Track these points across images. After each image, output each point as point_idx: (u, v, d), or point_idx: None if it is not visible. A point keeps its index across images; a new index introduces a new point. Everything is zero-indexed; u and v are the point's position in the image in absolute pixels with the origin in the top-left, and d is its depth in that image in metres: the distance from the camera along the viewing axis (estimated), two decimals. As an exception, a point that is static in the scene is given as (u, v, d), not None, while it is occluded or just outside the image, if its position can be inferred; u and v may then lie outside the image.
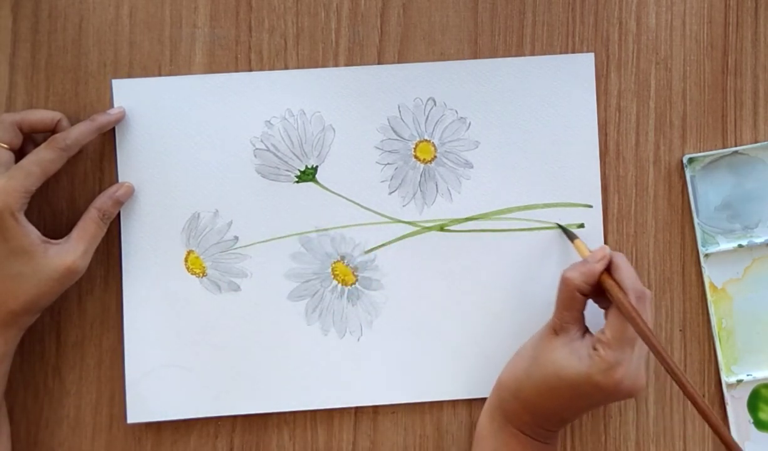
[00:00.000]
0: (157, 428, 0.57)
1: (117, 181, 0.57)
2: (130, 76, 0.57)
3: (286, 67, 0.57)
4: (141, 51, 0.57)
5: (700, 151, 0.58)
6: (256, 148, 0.57)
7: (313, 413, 0.57)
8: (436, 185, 0.57)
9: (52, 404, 0.57)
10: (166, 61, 0.57)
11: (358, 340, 0.57)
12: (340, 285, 0.57)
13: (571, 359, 0.49)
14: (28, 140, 0.55)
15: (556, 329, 0.51)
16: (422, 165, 0.57)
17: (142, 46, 0.57)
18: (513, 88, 0.57)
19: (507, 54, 0.58)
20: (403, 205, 0.57)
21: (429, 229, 0.57)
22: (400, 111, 0.57)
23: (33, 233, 0.52)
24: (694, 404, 0.46)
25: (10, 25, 0.57)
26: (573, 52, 0.58)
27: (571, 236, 0.55)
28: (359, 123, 0.57)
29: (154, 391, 0.56)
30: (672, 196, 0.58)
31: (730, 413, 0.57)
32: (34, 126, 0.54)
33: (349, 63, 0.58)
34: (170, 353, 0.56)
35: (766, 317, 0.58)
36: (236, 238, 0.57)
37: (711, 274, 0.58)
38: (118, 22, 0.57)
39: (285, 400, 0.57)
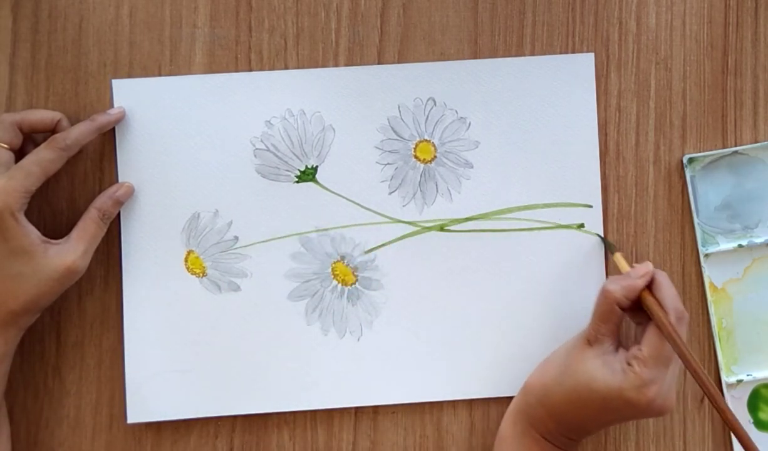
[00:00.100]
0: (157, 428, 0.57)
1: (117, 181, 0.57)
2: (130, 76, 0.57)
3: (286, 67, 0.57)
4: (141, 51, 0.57)
5: (700, 151, 0.58)
6: (256, 148, 0.57)
7: (313, 413, 0.57)
8: (436, 185, 0.57)
9: (52, 404, 0.57)
10: (166, 61, 0.57)
11: (358, 340, 0.57)
12: (340, 285, 0.57)
13: (605, 371, 0.49)
14: (28, 140, 0.55)
15: (590, 339, 0.51)
16: (422, 165, 0.57)
17: (142, 46, 0.57)
18: (513, 88, 0.57)
19: (507, 54, 0.58)
20: (403, 205, 0.57)
21: (429, 229, 0.57)
22: (400, 111, 0.57)
23: (33, 233, 0.52)
24: (735, 432, 0.47)
25: (10, 25, 0.57)
26: (573, 52, 0.58)
27: (612, 249, 0.55)
28: (359, 123, 0.57)
29: (154, 391, 0.56)
30: (672, 196, 0.58)
31: (730, 413, 0.57)
32: (34, 126, 0.54)
33: (349, 63, 0.58)
34: (170, 353, 0.56)
35: (766, 317, 0.58)
36: (236, 238, 0.57)
37: (711, 274, 0.58)
38: (118, 22, 0.57)
39: (285, 400, 0.57)
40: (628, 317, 0.52)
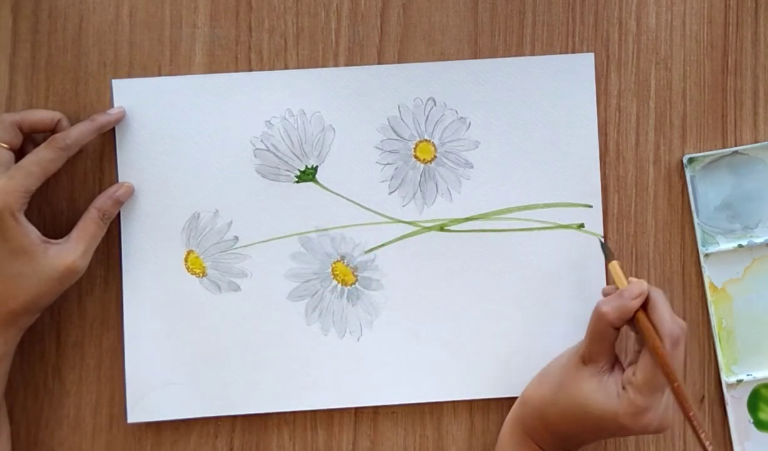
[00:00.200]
0: (157, 428, 0.57)
1: (117, 181, 0.57)
2: (130, 76, 0.57)
3: (286, 67, 0.57)
4: (141, 51, 0.57)
5: (700, 151, 0.58)
6: (256, 148, 0.57)
7: (313, 413, 0.57)
8: (436, 185, 0.57)
9: (52, 404, 0.57)
10: (166, 61, 0.57)
11: (358, 340, 0.57)
12: (340, 285, 0.57)
13: (599, 394, 0.49)
14: (28, 140, 0.55)
15: (584, 359, 0.50)
16: (422, 165, 0.57)
17: (142, 46, 0.57)
18: (513, 88, 0.57)
19: (507, 54, 0.58)
20: (403, 205, 0.57)
21: (429, 229, 0.57)
22: (400, 111, 0.57)
23: (33, 232, 0.52)
24: None
25: (10, 25, 0.57)
26: (573, 52, 0.58)
27: (609, 256, 0.54)
28: (359, 123, 0.57)
29: (154, 391, 0.56)
30: (672, 196, 0.58)
31: (730, 413, 0.57)
32: (34, 126, 0.54)
33: (349, 63, 0.58)
34: (170, 353, 0.56)
35: (766, 317, 0.58)
36: (236, 238, 0.57)
37: (711, 274, 0.58)
38: (118, 22, 0.57)
39: (285, 400, 0.57)
40: (626, 326, 0.51)
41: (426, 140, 0.57)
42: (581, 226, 0.57)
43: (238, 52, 0.58)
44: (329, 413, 0.57)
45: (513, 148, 0.57)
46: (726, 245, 0.57)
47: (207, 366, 0.57)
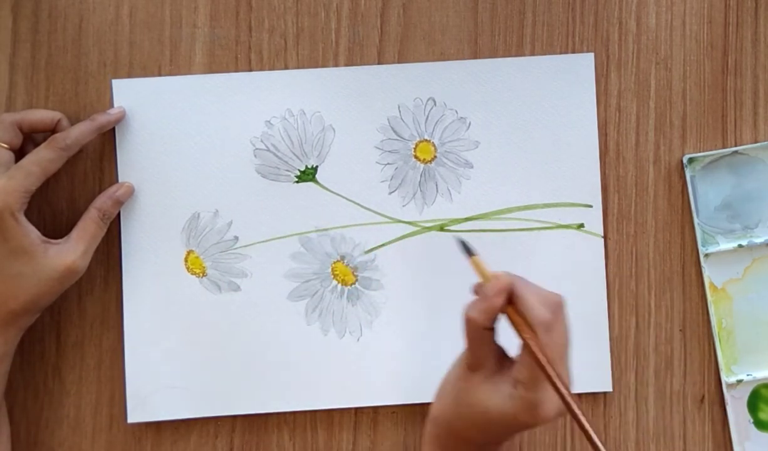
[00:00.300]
0: (157, 428, 0.57)
1: (117, 181, 0.57)
2: (130, 76, 0.57)
3: (286, 67, 0.57)
4: (141, 51, 0.57)
5: (700, 151, 0.58)
6: (256, 148, 0.57)
7: (313, 413, 0.57)
8: (436, 185, 0.57)
9: (52, 404, 0.57)
10: (166, 61, 0.57)
11: (358, 340, 0.57)
12: (340, 285, 0.57)
13: (494, 398, 0.47)
14: (28, 140, 0.55)
15: (470, 366, 0.48)
16: (422, 165, 0.57)
17: (142, 46, 0.57)
18: (513, 88, 0.57)
19: (507, 54, 0.58)
20: (403, 205, 0.57)
21: (429, 229, 0.57)
22: (400, 111, 0.57)
23: (33, 232, 0.52)
24: None
25: (10, 25, 0.57)
26: (573, 52, 0.58)
27: (470, 252, 0.50)
28: (359, 123, 0.57)
29: (154, 391, 0.56)
30: (672, 196, 0.58)
31: (730, 413, 0.57)
32: (34, 126, 0.54)
33: (349, 63, 0.58)
34: (170, 352, 0.56)
35: (766, 317, 0.58)
36: (236, 238, 0.57)
37: (711, 274, 0.58)
38: (118, 22, 0.57)
39: (285, 400, 0.57)
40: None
41: (426, 140, 0.57)
42: (581, 226, 0.57)
43: (238, 52, 0.58)
44: (329, 413, 0.57)
45: (513, 148, 0.57)
46: (726, 245, 0.57)
47: (207, 366, 0.57)
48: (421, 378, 0.57)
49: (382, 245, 0.57)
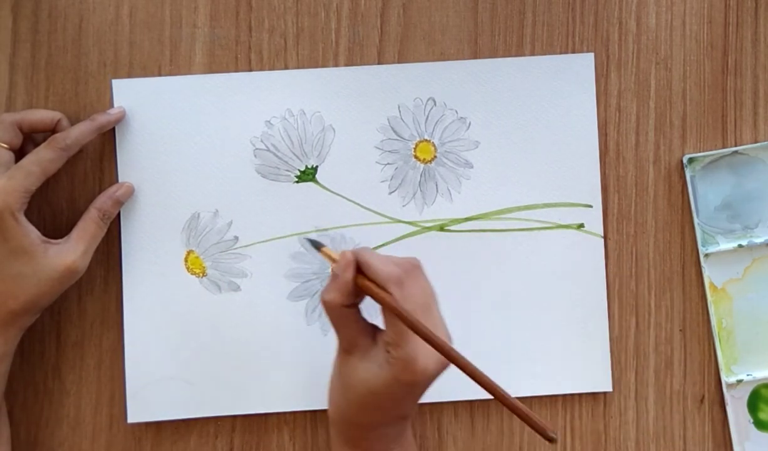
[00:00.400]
0: (157, 428, 0.57)
1: (117, 181, 0.57)
2: (130, 76, 0.57)
3: (286, 67, 0.57)
4: (141, 51, 0.57)
5: (700, 151, 0.58)
6: (256, 148, 0.57)
7: (313, 413, 0.57)
8: (436, 185, 0.57)
9: (52, 404, 0.57)
10: (166, 61, 0.57)
11: (358, 340, 0.57)
12: (340, 285, 0.57)
13: (373, 370, 0.48)
14: (28, 140, 0.55)
15: (346, 350, 0.49)
16: (422, 165, 0.57)
17: (142, 46, 0.57)
18: (513, 88, 0.57)
19: (507, 54, 0.58)
20: (403, 206, 0.57)
21: (429, 229, 0.57)
22: (400, 111, 0.57)
23: (33, 232, 0.52)
24: (482, 384, 0.44)
25: (10, 25, 0.57)
26: (573, 52, 0.58)
27: (317, 245, 0.52)
28: (359, 123, 0.57)
29: (154, 391, 0.56)
30: (672, 196, 0.58)
31: (730, 413, 0.57)
32: (34, 126, 0.54)
33: (349, 63, 0.58)
34: (170, 352, 0.56)
35: (766, 317, 0.58)
36: (236, 238, 0.57)
37: (711, 274, 0.58)
38: (118, 22, 0.57)
39: (285, 400, 0.57)
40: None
41: (426, 140, 0.57)
42: (581, 226, 0.57)
43: (238, 52, 0.58)
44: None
45: (513, 148, 0.57)
46: (726, 245, 0.57)
47: (207, 366, 0.57)
48: (421, 378, 0.57)
49: (382, 245, 0.57)
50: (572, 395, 0.57)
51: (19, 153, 0.53)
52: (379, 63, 0.58)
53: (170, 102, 0.57)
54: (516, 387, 0.56)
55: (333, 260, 0.50)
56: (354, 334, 0.49)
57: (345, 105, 0.57)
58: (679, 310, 0.58)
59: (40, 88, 0.57)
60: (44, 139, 0.53)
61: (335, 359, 0.51)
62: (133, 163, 0.57)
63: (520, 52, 0.58)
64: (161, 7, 0.57)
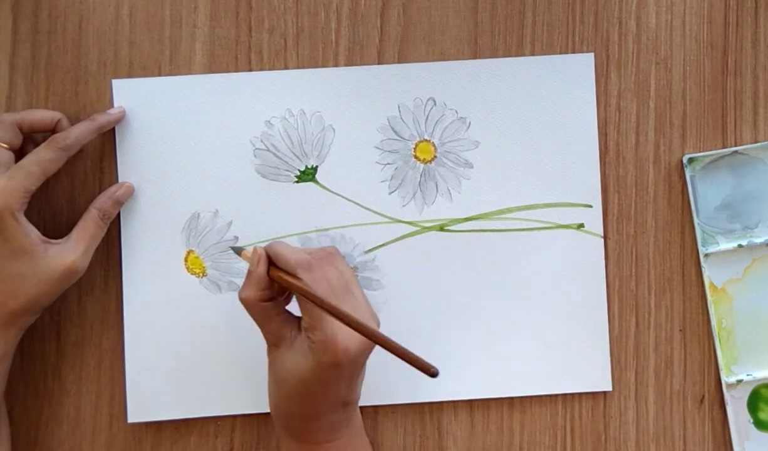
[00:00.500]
0: (157, 428, 0.57)
1: (117, 181, 0.57)
2: (130, 76, 0.57)
3: (286, 67, 0.57)
4: (141, 51, 0.57)
5: (700, 151, 0.58)
6: (256, 148, 0.57)
7: (313, 413, 0.57)
8: (436, 185, 0.57)
9: (52, 404, 0.57)
10: (166, 61, 0.57)
11: (358, 340, 0.57)
12: (340, 285, 0.57)
13: (300, 359, 0.49)
14: (28, 140, 0.55)
15: (273, 343, 0.50)
16: (422, 165, 0.57)
17: (142, 46, 0.57)
18: (513, 88, 0.57)
19: (507, 54, 0.58)
20: (403, 205, 0.57)
21: (429, 229, 0.57)
22: (400, 111, 0.57)
23: (33, 232, 0.52)
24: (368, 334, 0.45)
25: (10, 25, 0.57)
26: (573, 52, 0.58)
27: (238, 251, 0.54)
28: (359, 123, 0.57)
29: (154, 391, 0.56)
30: (672, 196, 0.58)
31: (730, 413, 0.57)
32: (34, 126, 0.54)
33: (349, 63, 0.58)
34: (170, 352, 0.56)
35: (766, 317, 0.58)
36: (236, 238, 0.57)
37: (711, 274, 0.58)
38: (118, 22, 0.57)
39: (285, 400, 0.57)
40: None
41: (426, 140, 0.57)
42: (581, 226, 0.57)
43: (238, 52, 0.58)
44: (329, 413, 0.57)
45: (513, 148, 0.57)
46: (726, 245, 0.58)
47: (207, 366, 0.57)
48: (421, 378, 0.57)
49: (382, 245, 0.57)
50: (572, 394, 0.57)
51: (19, 153, 0.53)
52: (379, 63, 0.58)
53: (170, 102, 0.57)
54: (516, 387, 0.56)
55: (249, 259, 0.51)
56: (277, 327, 0.50)
57: (345, 105, 0.57)
58: (679, 310, 0.58)
59: (40, 88, 0.57)
60: (44, 139, 0.53)
61: (267, 358, 0.52)
62: (133, 163, 0.57)
63: (520, 52, 0.58)
64: (161, 7, 0.57)
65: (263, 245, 0.52)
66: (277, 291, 0.51)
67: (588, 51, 0.58)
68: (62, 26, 0.57)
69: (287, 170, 0.57)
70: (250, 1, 0.58)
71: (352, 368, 0.49)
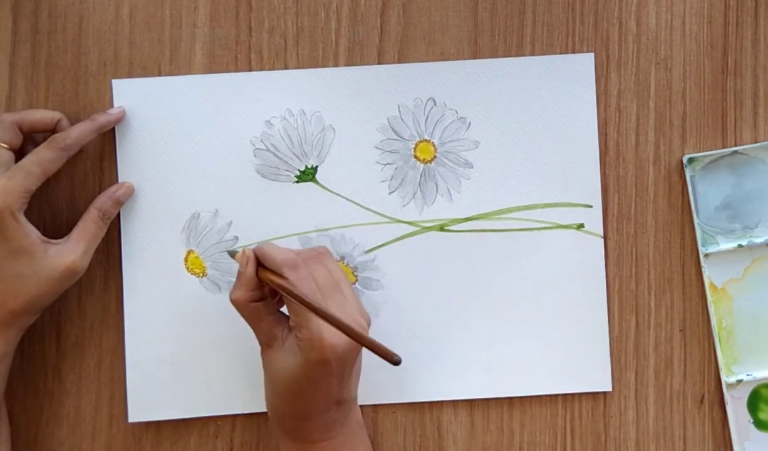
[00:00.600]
0: (157, 428, 0.57)
1: (117, 181, 0.57)
2: (130, 76, 0.57)
3: (286, 67, 0.57)
4: (141, 51, 0.57)
5: (700, 151, 0.58)
6: (256, 148, 0.57)
7: (313, 413, 0.57)
8: (436, 185, 0.57)
9: (52, 404, 0.57)
10: (166, 61, 0.57)
11: (358, 340, 0.57)
12: (340, 285, 0.57)
13: (289, 358, 0.49)
14: (28, 140, 0.55)
15: (265, 344, 0.51)
16: (422, 165, 0.57)
17: (142, 46, 0.57)
18: (513, 88, 0.57)
19: (507, 54, 0.58)
20: (403, 205, 0.57)
21: (429, 229, 0.57)
22: (400, 111, 0.57)
23: (33, 232, 0.52)
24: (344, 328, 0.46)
25: (10, 25, 0.57)
26: (573, 52, 0.58)
27: (232, 254, 0.53)
28: (359, 123, 0.57)
29: (154, 390, 0.56)
30: (672, 196, 0.58)
31: (730, 413, 0.57)
32: (34, 126, 0.54)
33: (349, 63, 0.58)
34: (170, 352, 0.56)
35: (766, 317, 0.58)
36: (236, 238, 0.57)
37: (711, 274, 0.58)
38: (118, 22, 0.57)
39: (285, 400, 0.57)
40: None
41: (426, 140, 0.57)
42: (581, 226, 0.57)
43: (238, 52, 0.58)
44: (329, 413, 0.57)
45: (513, 148, 0.57)
46: (726, 245, 0.57)
47: (207, 366, 0.57)
48: (421, 378, 0.57)
49: (382, 245, 0.57)
50: (572, 394, 0.57)
51: (19, 153, 0.53)
52: (379, 63, 0.58)
53: (170, 102, 0.57)
54: (516, 387, 0.56)
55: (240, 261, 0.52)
56: (268, 327, 0.51)
57: (345, 105, 0.57)
58: (679, 310, 0.58)
59: (40, 88, 0.57)
60: (44, 139, 0.53)
61: (260, 356, 0.52)
62: (133, 163, 0.57)
63: (520, 52, 0.58)
64: (161, 7, 0.57)
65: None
66: (267, 292, 0.51)
67: (588, 51, 0.58)
68: (62, 26, 0.57)
69: (287, 170, 0.57)
70: (250, 1, 0.58)
71: (341, 366, 0.49)
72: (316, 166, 0.57)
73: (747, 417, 0.57)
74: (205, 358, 0.57)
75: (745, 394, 0.57)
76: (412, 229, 0.57)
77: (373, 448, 0.55)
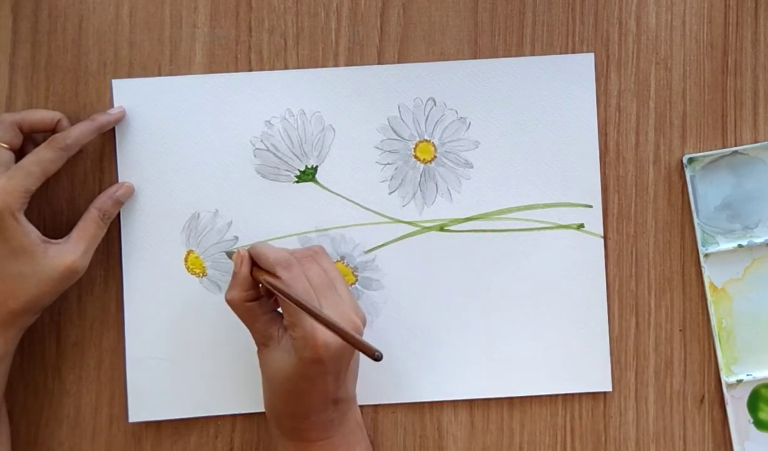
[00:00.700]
0: (157, 428, 0.57)
1: (117, 181, 0.57)
2: (130, 76, 0.57)
3: (286, 67, 0.57)
4: (141, 51, 0.57)
5: (700, 151, 0.58)
6: (256, 148, 0.57)
7: (313, 413, 0.57)
8: (436, 185, 0.57)
9: (52, 404, 0.57)
10: (166, 61, 0.57)
11: (358, 340, 0.57)
12: (340, 285, 0.57)
13: (284, 356, 0.49)
14: (28, 140, 0.55)
15: (261, 343, 0.51)
16: (422, 165, 0.57)
17: (142, 46, 0.57)
18: (513, 88, 0.57)
19: (507, 54, 0.58)
20: (403, 206, 0.57)
21: (429, 229, 0.57)
22: (400, 111, 0.57)
23: (33, 232, 0.52)
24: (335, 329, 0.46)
25: (10, 25, 0.57)
26: (573, 52, 0.58)
27: (229, 254, 0.54)
28: (359, 123, 0.57)
29: (154, 390, 0.56)
30: (672, 196, 0.58)
31: (730, 413, 0.57)
32: (34, 126, 0.54)
33: (349, 63, 0.58)
34: (170, 352, 0.56)
35: (766, 317, 0.58)
36: (236, 238, 0.57)
37: (711, 274, 0.58)
38: (118, 22, 0.57)
39: (285, 400, 0.57)
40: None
41: (426, 140, 0.57)
42: (581, 226, 0.57)
43: (238, 52, 0.58)
44: (329, 413, 0.57)
45: (513, 148, 0.57)
46: (726, 245, 0.57)
47: (207, 366, 0.57)
48: (421, 378, 0.57)
49: (382, 245, 0.57)
50: (572, 394, 0.57)
51: (19, 153, 0.53)
52: (379, 63, 0.58)
53: (170, 102, 0.57)
54: (516, 387, 0.56)
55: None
56: (264, 327, 0.51)
57: (345, 105, 0.57)
58: (679, 310, 0.58)
59: (40, 88, 0.57)
60: (44, 139, 0.53)
61: (257, 355, 0.52)
62: (133, 163, 0.57)
63: (520, 52, 0.58)
64: (161, 7, 0.57)
65: None
66: (263, 291, 0.51)
67: (588, 51, 0.58)
68: (62, 26, 0.57)
69: (287, 170, 0.57)
70: (250, 1, 0.58)
71: (335, 364, 0.49)
72: (316, 167, 0.57)
73: (747, 417, 0.57)
74: (205, 358, 0.57)
75: (745, 394, 0.57)
76: (412, 229, 0.57)
77: (372, 448, 0.55)
